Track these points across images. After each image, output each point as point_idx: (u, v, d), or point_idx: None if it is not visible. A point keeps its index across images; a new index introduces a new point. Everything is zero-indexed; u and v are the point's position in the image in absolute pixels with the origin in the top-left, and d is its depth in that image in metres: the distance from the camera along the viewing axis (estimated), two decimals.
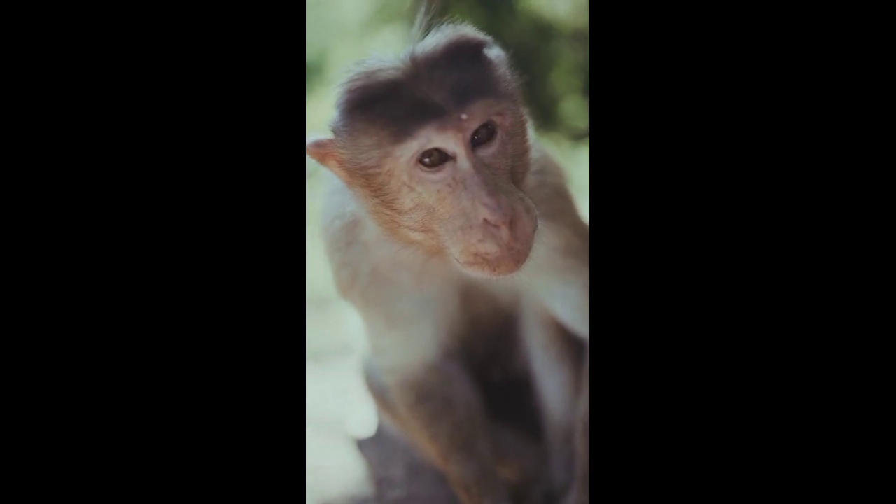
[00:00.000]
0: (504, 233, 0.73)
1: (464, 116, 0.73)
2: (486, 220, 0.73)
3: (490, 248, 0.74)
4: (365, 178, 0.76)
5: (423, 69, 0.73)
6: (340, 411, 1.24)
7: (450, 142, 0.73)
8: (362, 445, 1.14)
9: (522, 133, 0.80)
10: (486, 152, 0.75)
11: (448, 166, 0.75)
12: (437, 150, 0.74)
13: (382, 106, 0.73)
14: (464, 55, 0.75)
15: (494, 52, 0.82)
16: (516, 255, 0.74)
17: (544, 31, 2.42)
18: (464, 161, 0.74)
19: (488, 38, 0.79)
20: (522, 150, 0.80)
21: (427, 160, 0.74)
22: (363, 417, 1.18)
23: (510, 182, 0.76)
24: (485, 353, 1.00)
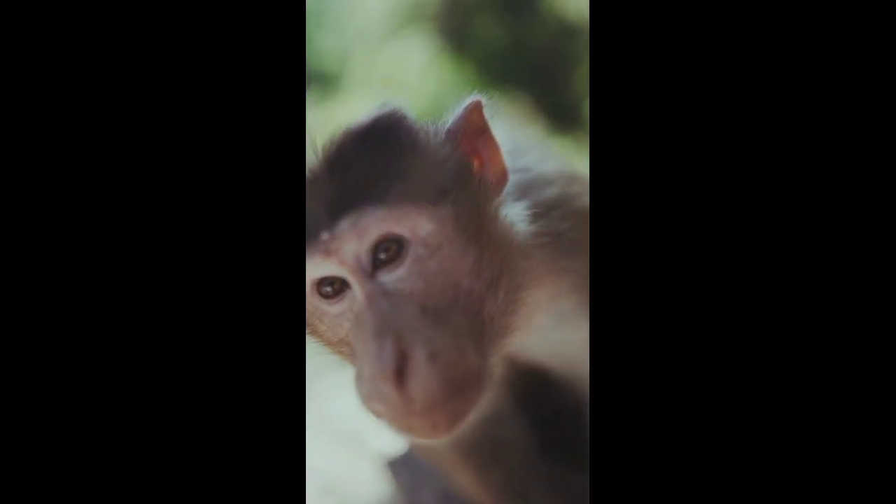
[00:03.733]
0: (389, 389, 0.55)
1: (324, 236, 0.58)
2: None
3: (378, 408, 0.57)
4: None
5: (310, 185, 0.60)
6: (367, 427, 1.20)
7: (324, 267, 0.59)
8: (392, 466, 1.10)
9: (471, 235, 0.59)
10: (390, 277, 0.58)
11: (348, 295, 0.60)
12: (336, 276, 0.60)
13: None
14: (363, 149, 0.60)
15: (454, 115, 0.64)
16: (429, 418, 0.56)
17: (568, 31, 2.37)
18: (357, 290, 0.59)
19: (400, 112, 0.62)
20: (475, 260, 0.59)
21: (328, 289, 0.61)
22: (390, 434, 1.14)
23: (425, 315, 0.57)
24: (535, 387, 0.90)
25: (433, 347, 0.56)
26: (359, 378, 0.59)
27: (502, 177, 0.66)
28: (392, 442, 1.12)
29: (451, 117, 0.65)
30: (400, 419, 0.57)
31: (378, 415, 0.59)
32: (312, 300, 0.62)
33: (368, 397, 0.58)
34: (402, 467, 1.08)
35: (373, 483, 1.09)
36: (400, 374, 0.56)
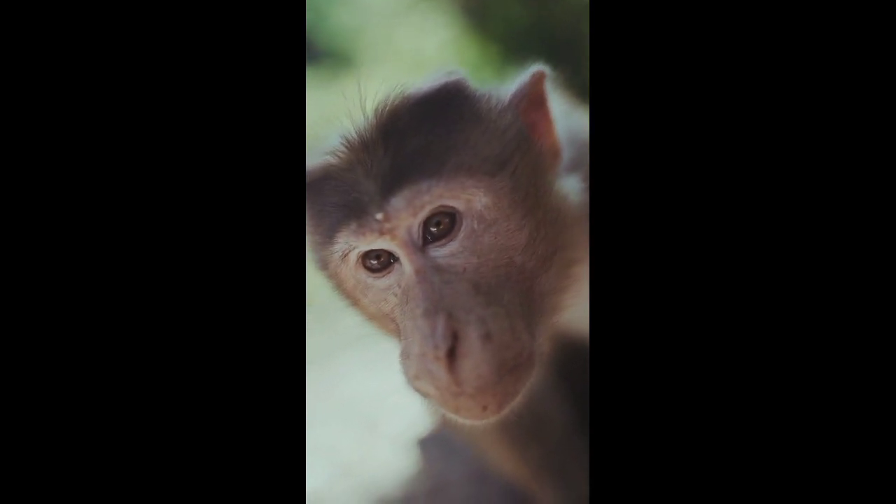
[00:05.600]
0: (439, 370, 0.52)
1: (378, 217, 0.54)
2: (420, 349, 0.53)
3: (426, 388, 0.54)
4: (326, 278, 0.63)
5: (360, 151, 0.57)
6: (383, 409, 1.17)
7: (378, 243, 0.56)
8: (420, 445, 1.07)
9: (528, 208, 0.56)
10: (441, 252, 0.56)
11: (396, 269, 0.58)
12: (384, 249, 0.57)
13: (321, 198, 0.58)
14: (422, 118, 0.56)
15: (512, 85, 0.61)
16: (479, 400, 0.53)
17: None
18: (406, 265, 0.56)
19: (459, 80, 0.58)
20: (530, 235, 0.56)
21: (374, 262, 0.58)
22: (420, 412, 1.11)
23: (478, 293, 0.54)
24: (576, 361, 0.87)
25: (486, 328, 0.53)
26: (406, 356, 0.56)
27: (556, 152, 0.63)
28: (409, 424, 1.10)
29: (513, 84, 0.62)
30: (449, 400, 0.54)
31: (425, 395, 0.56)
32: (358, 274, 0.59)
33: (416, 377, 0.55)
34: (430, 447, 1.06)
35: (390, 465, 1.06)
36: (451, 354, 0.52)
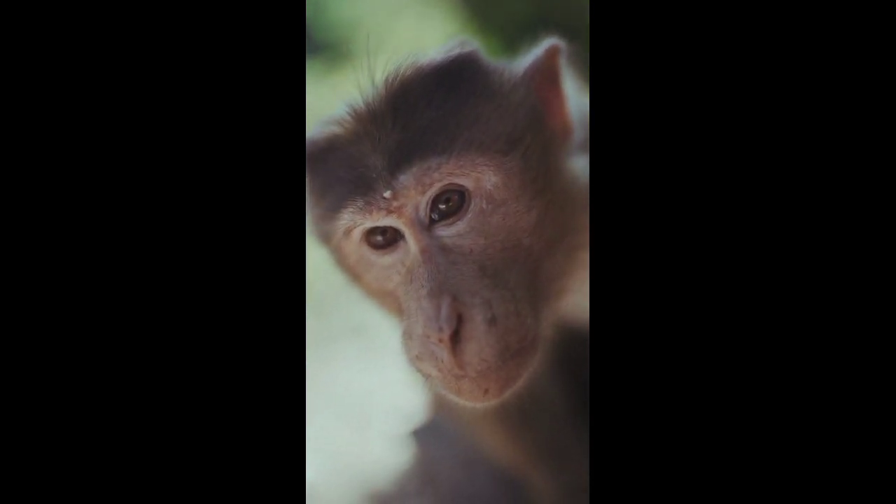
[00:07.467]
0: (442, 352, 0.52)
1: (386, 195, 0.53)
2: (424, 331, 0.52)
3: (427, 369, 0.54)
4: (327, 250, 0.61)
5: (367, 122, 0.55)
6: (390, 401, 1.17)
7: (384, 221, 0.55)
8: (416, 435, 1.07)
9: (538, 189, 0.55)
10: (448, 231, 0.55)
11: (401, 247, 0.57)
12: (390, 225, 0.56)
13: (325, 170, 0.56)
14: (434, 91, 0.55)
15: (528, 59, 0.59)
16: (481, 383, 0.52)
17: None
18: (412, 243, 0.55)
19: (472, 51, 0.57)
20: (539, 218, 0.55)
21: (378, 238, 0.57)
22: (415, 406, 1.10)
23: (484, 275, 0.53)
24: (577, 347, 0.87)
25: (492, 311, 0.52)
26: (408, 337, 0.55)
27: (567, 130, 0.62)
28: (404, 418, 1.10)
29: (528, 58, 0.61)
30: (450, 382, 0.54)
31: (426, 375, 0.56)
32: (361, 250, 0.58)
33: (418, 357, 0.54)
34: (424, 437, 1.05)
35: (386, 458, 1.06)
36: (455, 336, 0.52)
